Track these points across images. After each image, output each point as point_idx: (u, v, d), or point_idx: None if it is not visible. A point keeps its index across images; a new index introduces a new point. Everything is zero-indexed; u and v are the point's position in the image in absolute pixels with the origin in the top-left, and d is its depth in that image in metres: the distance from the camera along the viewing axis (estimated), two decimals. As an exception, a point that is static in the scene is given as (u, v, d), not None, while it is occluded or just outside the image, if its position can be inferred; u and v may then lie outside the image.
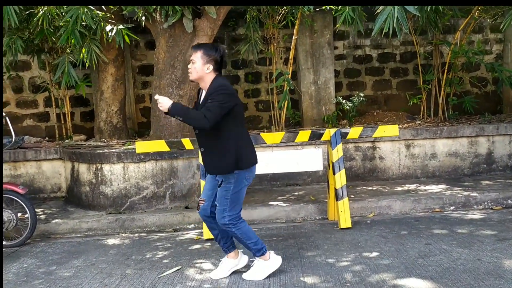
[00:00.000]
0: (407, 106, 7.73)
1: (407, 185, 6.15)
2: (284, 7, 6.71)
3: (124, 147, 5.81)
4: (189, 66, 3.45)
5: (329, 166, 5.07)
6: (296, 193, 6.01)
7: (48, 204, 6.10)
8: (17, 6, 5.01)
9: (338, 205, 4.80)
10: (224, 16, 5.81)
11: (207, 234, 4.60)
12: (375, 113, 7.72)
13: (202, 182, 4.65)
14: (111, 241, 4.80)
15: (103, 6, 5.73)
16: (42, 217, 5.45)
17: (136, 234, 5.03)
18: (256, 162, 3.57)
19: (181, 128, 5.82)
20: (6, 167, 6.30)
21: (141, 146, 4.84)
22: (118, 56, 6.48)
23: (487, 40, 8.26)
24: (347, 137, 5.03)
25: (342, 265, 3.69)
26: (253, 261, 3.63)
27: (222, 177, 3.45)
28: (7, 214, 4.75)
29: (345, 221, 4.75)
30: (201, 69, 3.37)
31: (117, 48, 6.28)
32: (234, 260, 3.65)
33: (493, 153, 6.61)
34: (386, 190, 5.91)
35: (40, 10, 5.48)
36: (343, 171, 4.86)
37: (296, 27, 6.84)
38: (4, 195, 4.76)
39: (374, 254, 3.92)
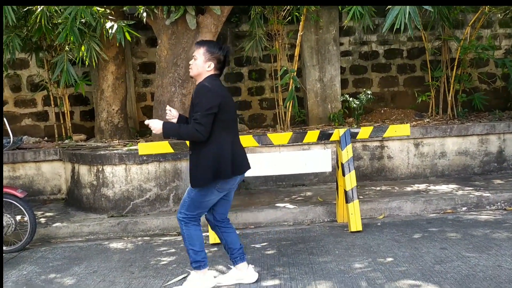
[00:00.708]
0: (414, 103, 7.55)
1: (416, 185, 5.99)
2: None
3: (126, 148, 5.64)
4: (190, 62, 3.32)
5: (337, 167, 4.90)
6: (303, 194, 5.84)
7: (48, 206, 5.94)
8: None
9: (348, 208, 4.64)
10: (229, 12, 5.63)
11: (213, 238, 4.45)
12: (382, 111, 7.55)
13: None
14: (113, 245, 4.64)
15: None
16: (42, 220, 5.29)
17: (139, 238, 4.88)
18: (239, 173, 3.32)
19: (185, 128, 5.65)
20: (5, 169, 6.13)
21: (144, 147, 4.67)
22: (119, 54, 6.30)
23: (496, 35, 8.07)
24: (357, 137, 4.86)
25: (356, 272, 3.53)
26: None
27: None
28: (6, 219, 4.60)
29: (356, 224, 4.59)
30: (201, 66, 3.24)
31: (117, 46, 6.10)
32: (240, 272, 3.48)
33: (504, 152, 6.45)
34: (396, 191, 5.75)
35: (38, 7, 5.29)
36: (353, 172, 4.69)
37: (301, 23, 6.65)
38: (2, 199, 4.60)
39: (388, 259, 3.76)
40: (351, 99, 7.06)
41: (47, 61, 6.71)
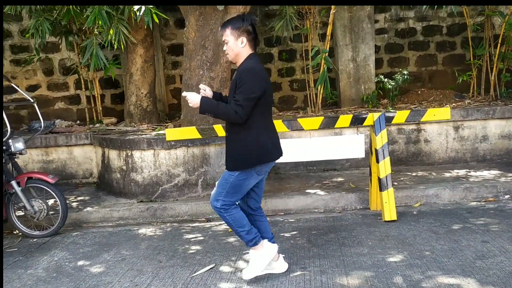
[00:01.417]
0: (454, 84, 7.17)
1: (455, 171, 5.71)
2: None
3: (154, 133, 5.59)
4: (224, 48, 3.19)
5: (371, 153, 4.69)
6: (334, 180, 5.67)
7: (80, 190, 6.00)
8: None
9: (382, 196, 4.44)
10: (258, -9, 5.41)
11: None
12: (419, 92, 7.21)
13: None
14: (142, 231, 4.63)
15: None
16: (74, 204, 5.34)
17: (168, 224, 4.84)
18: (277, 158, 3.25)
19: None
20: (38, 153, 6.22)
21: (171, 133, 4.59)
22: (147, 37, 6.20)
23: (545, 9, 7.50)
24: (392, 122, 4.62)
25: (391, 267, 3.36)
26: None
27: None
28: (38, 204, 4.65)
29: (390, 213, 4.39)
30: (235, 46, 3.10)
31: (145, 28, 5.99)
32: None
33: (552, 135, 6.04)
34: (433, 177, 5.49)
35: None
36: (387, 159, 4.47)
37: (334, 0, 6.35)
38: (34, 185, 4.65)
39: (425, 253, 3.56)
40: (386, 79, 6.75)
41: (77, 45, 6.70)
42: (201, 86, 3.33)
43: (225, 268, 3.54)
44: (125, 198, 5.41)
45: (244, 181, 3.17)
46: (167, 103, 7.71)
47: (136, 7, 5.16)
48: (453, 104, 6.52)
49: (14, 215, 4.70)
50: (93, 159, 6.19)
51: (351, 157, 4.80)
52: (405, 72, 6.69)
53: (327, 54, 6.12)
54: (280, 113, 7.14)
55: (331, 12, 6.42)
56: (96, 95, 6.92)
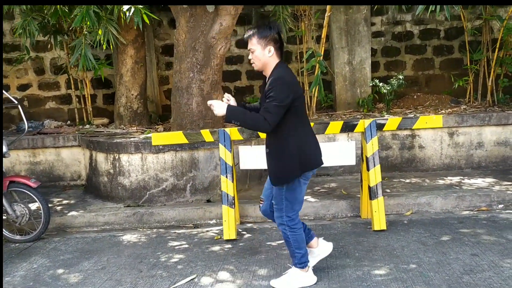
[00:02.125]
0: (451, 88, 7.05)
1: (449, 178, 5.60)
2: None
3: (143, 136, 5.49)
4: (249, 57, 3.12)
5: (362, 160, 4.58)
6: (326, 185, 5.56)
7: (67, 193, 5.91)
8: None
9: (372, 205, 4.34)
10: (249, -8, 5.30)
11: (228, 234, 4.26)
12: (415, 96, 7.09)
13: (223, 178, 4.30)
14: (126, 238, 4.53)
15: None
16: (59, 208, 5.25)
17: (154, 230, 4.75)
18: (319, 164, 3.24)
19: (203, 115, 5.44)
20: (25, 154, 6.13)
21: (158, 138, 4.49)
22: (138, 37, 6.09)
23: (544, 14, 7.37)
24: (384, 129, 4.52)
25: (375, 280, 3.26)
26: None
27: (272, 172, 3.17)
28: (20, 209, 4.55)
29: (380, 223, 4.29)
30: (263, 56, 3.05)
31: (136, 29, 5.88)
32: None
33: (549, 143, 5.93)
34: (426, 184, 5.38)
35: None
36: (378, 167, 4.36)
37: (329, 2, 6.24)
38: (16, 189, 4.55)
39: (412, 266, 3.46)
40: (381, 84, 6.63)
41: (67, 45, 6.60)
42: (226, 95, 3.26)
43: (205, 280, 3.44)
44: (112, 202, 5.32)
45: (295, 192, 3.14)
46: (160, 104, 7.60)
47: (125, 7, 5.06)
48: (449, 110, 6.41)
49: (-4, 219, 4.61)
50: (82, 161, 6.10)
51: (341, 164, 4.69)
52: (401, 77, 6.57)
53: (321, 57, 6.01)
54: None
55: (326, 15, 6.30)
56: (86, 95, 6.82)
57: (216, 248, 4.10)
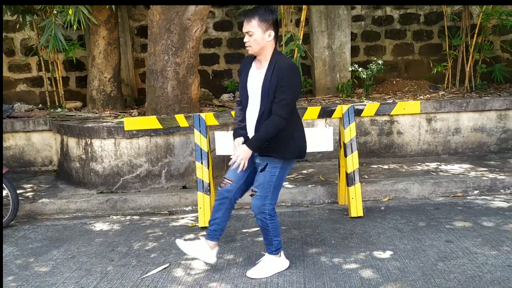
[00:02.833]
0: (429, 74, 7.04)
1: (426, 163, 5.61)
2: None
3: (117, 120, 5.33)
4: (245, 39, 2.95)
5: (340, 146, 4.53)
6: (304, 171, 5.51)
7: (38, 179, 5.72)
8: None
9: (349, 191, 4.30)
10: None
11: (203, 221, 4.18)
12: (394, 82, 7.06)
13: (198, 165, 4.20)
14: (99, 225, 4.41)
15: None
16: (30, 195, 5.08)
17: (128, 217, 4.63)
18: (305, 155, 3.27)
19: (179, 100, 5.30)
20: (-6, 138, 5.90)
21: (130, 123, 4.35)
22: (111, 17, 5.86)
23: (523, 0, 7.38)
24: (362, 115, 4.46)
25: (350, 268, 3.23)
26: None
27: (267, 160, 3.06)
28: (-14, 195, 4.37)
29: (356, 209, 4.26)
30: (262, 39, 2.92)
31: (108, 8, 5.67)
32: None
33: (524, 129, 5.98)
34: (404, 170, 5.38)
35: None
36: (355, 153, 4.32)
37: (308, -16, 6.12)
38: (-18, 175, 4.37)
39: (387, 253, 3.44)
40: (360, 69, 6.57)
41: (36, 25, 6.33)
42: (236, 142, 3.16)
43: (178, 269, 3.36)
44: (84, 188, 5.17)
45: (284, 175, 3.15)
46: (136, 87, 7.41)
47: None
48: (427, 96, 6.40)
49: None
50: (53, 146, 5.90)
51: (319, 150, 4.63)
52: (380, 62, 6.52)
53: (300, 41, 5.90)
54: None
55: (305, -3, 6.18)
56: (58, 78, 6.58)
57: (191, 236, 4.02)
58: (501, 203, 4.47)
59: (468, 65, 6.55)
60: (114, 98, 6.09)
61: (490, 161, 5.61)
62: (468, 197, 4.72)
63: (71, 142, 5.25)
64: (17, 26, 6.92)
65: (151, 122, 4.34)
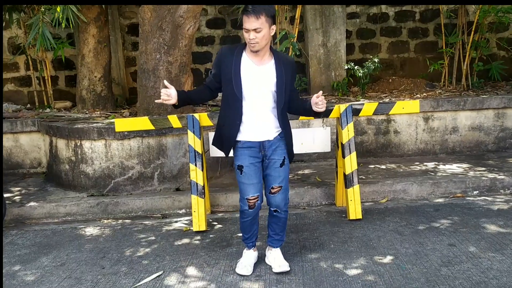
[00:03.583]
0: (426, 72, 6.95)
1: (424, 163, 5.51)
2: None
3: (107, 121, 5.17)
4: (251, 36, 2.79)
5: (337, 146, 4.42)
6: (300, 172, 5.40)
7: (26, 181, 5.55)
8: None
9: (347, 193, 4.19)
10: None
11: (197, 225, 4.04)
12: (390, 80, 6.96)
13: (192, 167, 4.06)
14: (89, 230, 4.26)
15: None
16: (18, 198, 4.91)
17: (120, 221, 4.49)
18: None
19: (171, 99, 5.14)
20: (-20, 140, 5.71)
21: (121, 124, 4.20)
22: (101, 15, 5.70)
23: (519, -3, 7.32)
24: (360, 115, 4.35)
25: (351, 274, 3.11)
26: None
27: (284, 153, 3.09)
28: (-29, 200, 4.20)
29: (355, 212, 4.15)
30: (269, 35, 2.85)
31: (98, 6, 5.50)
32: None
33: (522, 127, 5.91)
34: (401, 170, 5.28)
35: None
36: (354, 154, 4.21)
37: (303, -19, 5.99)
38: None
39: (389, 258, 3.33)
40: (356, 67, 6.47)
41: (23, 23, 6.14)
42: (164, 90, 3.01)
43: (172, 277, 3.22)
44: (74, 191, 5.01)
45: None
46: (127, 87, 7.24)
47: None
48: (424, 94, 6.32)
49: None
50: (42, 147, 5.73)
51: (316, 151, 4.53)
52: (376, 60, 6.41)
53: (295, 39, 5.78)
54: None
55: (300, -6, 6.06)
56: (46, 77, 6.39)
57: (185, 240, 3.88)
58: (501, 204, 4.38)
59: (465, 63, 6.47)
60: (104, 98, 5.92)
61: (489, 160, 5.54)
62: (468, 198, 4.63)
63: (60, 143, 5.08)
64: (4, 24, 6.72)
65: (143, 123, 4.19)
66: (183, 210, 4.68)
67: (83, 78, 5.84)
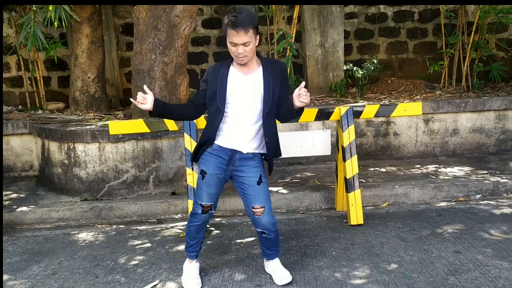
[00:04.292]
0: (425, 73, 6.86)
1: (425, 166, 5.42)
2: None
3: (100, 123, 5.03)
4: (240, 51, 2.68)
5: (337, 149, 4.31)
6: (299, 176, 5.28)
7: (17, 185, 5.39)
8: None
9: (348, 198, 4.08)
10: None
11: (194, 231, 3.90)
12: (389, 81, 6.87)
13: (189, 171, 3.93)
14: (82, 236, 4.12)
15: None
16: (8, 203, 4.76)
17: (114, 227, 4.35)
18: None
19: (167, 101, 5.01)
20: (-30, 143, 5.55)
21: (116, 126, 4.06)
22: (94, 14, 5.56)
23: (518, -3, 7.25)
24: (361, 117, 4.24)
25: (355, 284, 3.00)
26: None
27: (260, 171, 2.92)
28: (-41, 206, 4.06)
29: (356, 217, 4.04)
30: (254, 47, 2.76)
31: (92, 5, 5.36)
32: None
33: (523, 129, 5.83)
34: (402, 173, 5.18)
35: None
36: (355, 157, 4.10)
37: (301, -20, 5.88)
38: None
39: (393, 266, 3.22)
40: (355, 68, 6.36)
41: (14, 22, 5.99)
42: (140, 94, 2.85)
43: (169, 286, 3.10)
44: (67, 195, 4.87)
45: None
46: (121, 88, 7.10)
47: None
48: (424, 95, 6.22)
49: None
50: (33, 150, 5.58)
51: (316, 154, 4.41)
52: (375, 61, 6.32)
53: (292, 39, 5.67)
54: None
55: (298, -6, 5.95)
56: (38, 78, 6.24)
57: (182, 247, 3.75)
58: (505, 209, 4.29)
59: (465, 64, 6.38)
60: (98, 99, 5.78)
61: (490, 163, 5.45)
62: (471, 202, 4.54)
63: (53, 146, 4.94)
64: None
65: (138, 125, 4.06)
66: (179, 215, 4.55)
67: (76, 79, 5.70)
